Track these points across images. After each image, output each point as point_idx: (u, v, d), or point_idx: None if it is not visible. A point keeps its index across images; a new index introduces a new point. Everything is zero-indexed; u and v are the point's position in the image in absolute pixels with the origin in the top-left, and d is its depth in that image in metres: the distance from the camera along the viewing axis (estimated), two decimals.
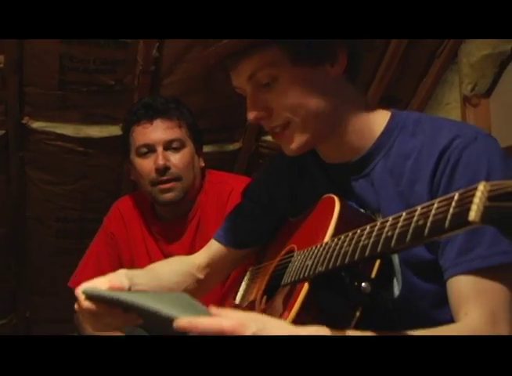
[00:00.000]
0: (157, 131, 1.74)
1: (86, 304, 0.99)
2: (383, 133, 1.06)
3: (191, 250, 1.70)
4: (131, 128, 1.78)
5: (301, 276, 0.99)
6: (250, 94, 1.04)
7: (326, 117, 1.04)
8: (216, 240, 1.30)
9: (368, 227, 0.86)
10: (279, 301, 1.06)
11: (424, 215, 0.73)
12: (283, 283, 1.06)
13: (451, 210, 0.69)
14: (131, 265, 1.81)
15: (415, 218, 0.75)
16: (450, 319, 0.94)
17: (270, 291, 1.14)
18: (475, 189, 0.66)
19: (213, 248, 1.30)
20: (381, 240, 0.81)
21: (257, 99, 1.04)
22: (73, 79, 1.96)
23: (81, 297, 1.00)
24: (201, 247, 1.35)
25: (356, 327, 0.91)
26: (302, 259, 1.01)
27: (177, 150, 1.75)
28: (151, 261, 1.77)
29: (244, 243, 1.29)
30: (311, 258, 0.98)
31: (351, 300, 0.93)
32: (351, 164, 1.08)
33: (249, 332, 0.79)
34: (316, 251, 0.97)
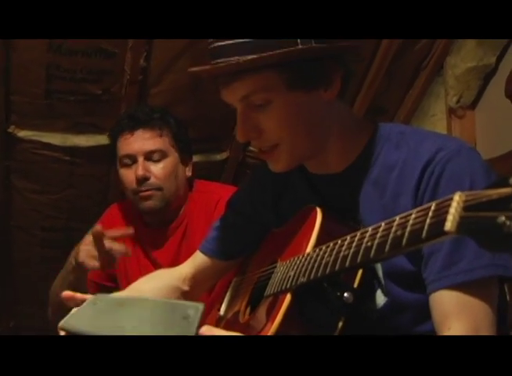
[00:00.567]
0: (138, 142, 1.75)
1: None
2: (368, 145, 1.06)
3: (176, 257, 1.70)
4: (116, 139, 1.80)
5: (284, 287, 0.99)
6: (241, 113, 1.03)
7: (315, 141, 1.04)
8: (201, 251, 1.30)
9: (348, 238, 0.87)
10: (262, 312, 1.05)
11: (402, 226, 0.74)
12: (265, 294, 1.06)
13: (428, 220, 0.69)
14: (123, 270, 1.81)
15: (393, 229, 0.75)
16: (433, 331, 0.94)
17: (254, 302, 1.13)
18: (451, 199, 0.66)
19: (198, 259, 1.30)
20: (361, 251, 0.81)
21: (248, 119, 1.03)
22: (60, 88, 1.96)
23: (61, 333, 0.98)
24: (187, 254, 1.35)
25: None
26: (285, 270, 1.01)
27: (158, 160, 1.76)
28: (140, 266, 1.78)
29: (229, 254, 1.29)
30: (293, 268, 0.98)
31: (334, 310, 0.93)
32: (335, 176, 1.08)
33: None
34: (298, 261, 0.97)
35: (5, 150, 2.06)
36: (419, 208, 0.73)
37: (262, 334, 0.97)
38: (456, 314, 0.91)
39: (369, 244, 0.80)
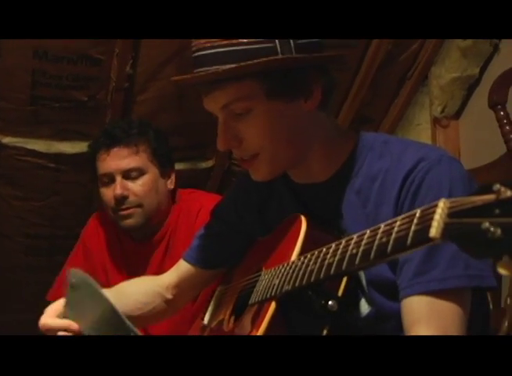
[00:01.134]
0: (115, 161, 1.75)
1: None
2: (351, 155, 1.07)
3: (160, 268, 1.69)
4: (95, 157, 1.80)
5: (269, 295, 0.99)
6: (221, 122, 1.04)
7: (296, 150, 1.05)
8: (185, 260, 1.29)
9: (333, 245, 0.87)
10: (247, 320, 1.05)
11: (387, 233, 0.74)
12: (250, 302, 1.06)
13: (412, 227, 0.69)
14: (106, 285, 1.79)
15: (378, 236, 0.76)
16: None
17: (238, 311, 1.13)
18: (436, 206, 0.66)
19: (182, 268, 1.29)
20: (346, 258, 0.81)
21: (229, 128, 1.03)
22: (46, 94, 1.95)
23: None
24: (171, 265, 1.34)
25: None
26: (269, 278, 1.01)
27: (136, 177, 1.75)
28: (123, 278, 1.76)
29: (213, 263, 1.28)
30: (278, 277, 0.98)
31: (318, 318, 0.93)
32: (320, 185, 1.08)
33: None
34: (283, 269, 0.97)
35: None
36: (404, 215, 0.73)
37: None
38: (425, 321, 0.91)
39: (354, 251, 0.80)
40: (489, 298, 1.38)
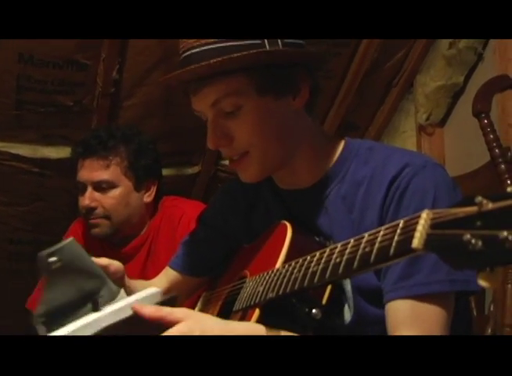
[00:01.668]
0: (87, 172, 1.78)
1: None
2: (337, 161, 1.07)
3: (142, 274, 1.69)
4: (76, 163, 1.82)
5: (252, 302, 0.99)
6: (211, 120, 1.03)
7: (285, 149, 1.05)
8: (171, 267, 1.29)
9: (318, 254, 0.87)
10: None
11: (371, 242, 0.74)
12: (234, 309, 1.06)
13: (396, 237, 0.70)
14: None
15: (362, 245, 0.76)
16: None
17: (223, 317, 1.13)
18: (419, 217, 0.67)
19: (169, 275, 1.29)
20: (330, 267, 0.81)
21: (219, 126, 1.03)
22: (31, 99, 1.93)
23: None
24: (153, 271, 1.34)
25: None
26: (254, 285, 1.01)
27: (106, 190, 1.77)
28: None
29: (200, 270, 1.28)
30: (262, 284, 0.98)
31: (302, 326, 0.93)
32: (305, 191, 1.09)
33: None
34: (267, 277, 0.98)
35: None
36: (387, 225, 0.74)
37: None
38: (408, 324, 0.92)
39: (337, 260, 0.80)
40: (473, 305, 1.39)
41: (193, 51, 1.00)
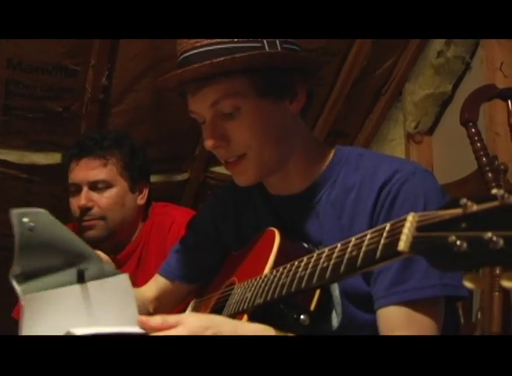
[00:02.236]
0: (83, 171, 1.75)
1: None
2: (327, 167, 1.08)
3: (132, 282, 1.68)
4: (67, 167, 1.79)
5: (241, 308, 0.98)
6: (209, 121, 1.03)
7: (281, 153, 1.05)
8: (162, 274, 1.28)
9: (305, 258, 0.87)
10: None
11: (358, 246, 0.75)
12: (222, 315, 1.06)
13: (382, 240, 0.70)
14: None
15: (349, 249, 0.76)
16: None
17: None
18: (405, 220, 0.67)
19: (160, 282, 1.29)
20: (317, 272, 0.81)
21: (217, 128, 1.03)
22: (19, 105, 1.93)
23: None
24: (143, 278, 1.33)
25: None
26: (242, 292, 1.01)
27: (103, 189, 1.75)
28: None
29: (190, 277, 1.27)
30: (250, 290, 0.98)
31: (290, 332, 0.93)
32: (296, 197, 1.09)
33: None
34: (255, 283, 0.97)
35: None
36: (374, 229, 0.74)
37: None
38: (403, 329, 0.92)
39: (325, 264, 0.80)
40: (460, 312, 1.40)
41: (193, 52, 0.99)
